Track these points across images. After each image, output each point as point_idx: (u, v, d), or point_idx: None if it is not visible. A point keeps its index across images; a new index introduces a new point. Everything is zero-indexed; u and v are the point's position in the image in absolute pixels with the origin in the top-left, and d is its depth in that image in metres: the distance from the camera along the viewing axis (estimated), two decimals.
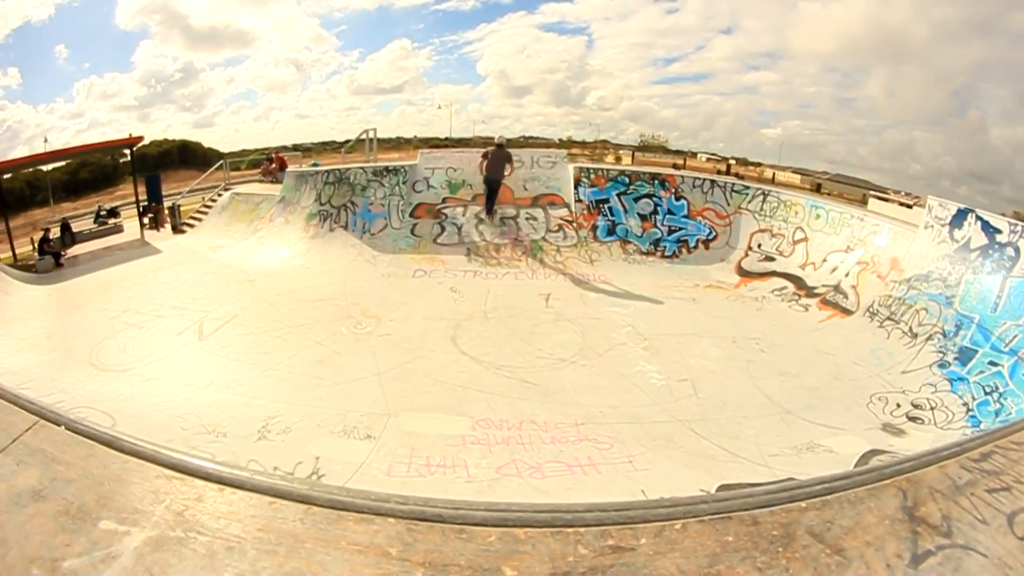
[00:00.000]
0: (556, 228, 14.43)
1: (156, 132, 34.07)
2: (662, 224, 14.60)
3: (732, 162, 25.59)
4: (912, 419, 7.57)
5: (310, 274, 12.83)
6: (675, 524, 1.64)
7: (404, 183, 14.92)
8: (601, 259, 13.84)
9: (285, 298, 11.38)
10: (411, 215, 14.57)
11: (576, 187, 15.07)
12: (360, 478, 5.93)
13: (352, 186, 14.80)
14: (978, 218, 9.64)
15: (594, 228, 14.55)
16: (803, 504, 1.75)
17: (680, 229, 14.51)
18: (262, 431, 6.79)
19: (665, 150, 31.32)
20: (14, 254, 15.79)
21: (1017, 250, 8.73)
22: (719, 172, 22.70)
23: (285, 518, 1.55)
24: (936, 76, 29.51)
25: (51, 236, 15.61)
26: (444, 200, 14.74)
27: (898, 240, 11.16)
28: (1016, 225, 9.06)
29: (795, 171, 24.95)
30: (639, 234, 14.48)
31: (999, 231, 9.17)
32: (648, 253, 14.20)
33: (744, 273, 13.22)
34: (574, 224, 14.57)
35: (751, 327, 10.49)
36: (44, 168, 23.19)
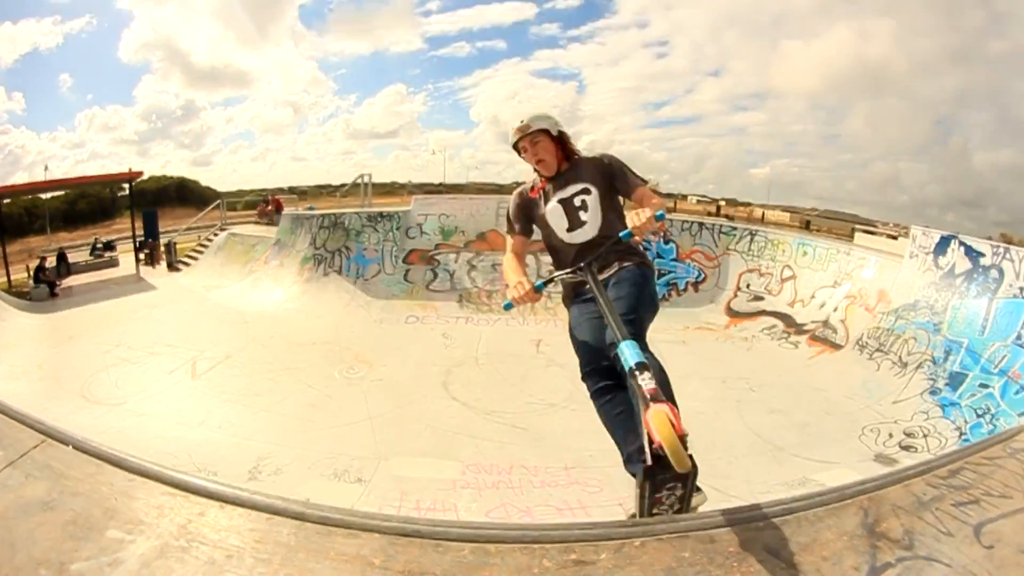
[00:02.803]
0: (548, 274, 14.47)
1: (155, 167, 34.46)
2: None
3: (722, 203, 26.10)
4: (905, 448, 7.65)
5: (304, 317, 12.92)
6: (634, 541, 1.72)
7: (398, 229, 15.13)
8: None
9: (278, 340, 11.46)
10: (404, 261, 14.73)
11: None
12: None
13: (347, 231, 15.00)
14: (961, 243, 9.89)
15: None
16: (760, 524, 1.81)
17: (669, 272, 14.67)
18: (253, 471, 6.82)
19: (656, 192, 31.91)
20: (9, 280, 15.80)
21: (1001, 271, 8.95)
22: (709, 214, 23.10)
23: (280, 532, 1.65)
24: (918, 106, 30.39)
25: (47, 265, 15.69)
26: (437, 246, 14.90)
27: (884, 272, 11.42)
28: (998, 247, 9.31)
29: (784, 209, 25.43)
30: None
31: (982, 255, 9.42)
32: None
33: (733, 314, 13.38)
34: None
35: (741, 367, 10.58)
36: (43, 196, 23.32)
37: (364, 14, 36.96)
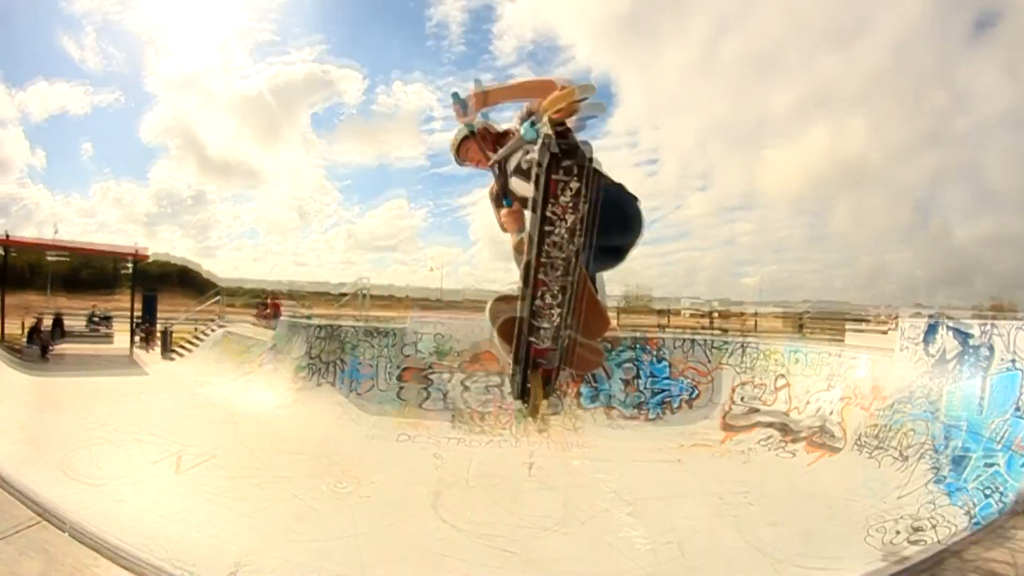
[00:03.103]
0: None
1: (160, 249, 35.17)
2: (645, 387, 14.71)
3: (715, 314, 26.28)
4: (914, 542, 7.37)
5: (294, 425, 12.80)
6: None
7: (393, 345, 15.23)
8: (585, 426, 13.75)
9: (267, 446, 11.30)
10: (398, 378, 14.69)
11: None
12: None
13: (343, 343, 15.17)
14: (949, 327, 9.95)
15: (578, 395, 14.46)
16: None
17: (663, 390, 14.62)
18: None
19: (649, 308, 32.22)
20: (2, 333, 15.68)
21: (991, 347, 8.96)
22: (703, 326, 23.26)
23: None
24: (897, 194, 31.50)
25: (42, 327, 15.64)
26: (431, 365, 14.90)
27: (877, 368, 11.41)
28: (986, 324, 9.37)
29: (776, 315, 25.62)
30: (622, 399, 14.53)
31: (970, 334, 9.46)
32: (632, 416, 14.19)
33: (729, 427, 13.18)
34: (558, 392, 14.59)
35: (738, 481, 10.32)
36: (49, 257, 23.57)
37: (371, 127, 39.37)
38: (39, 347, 15.16)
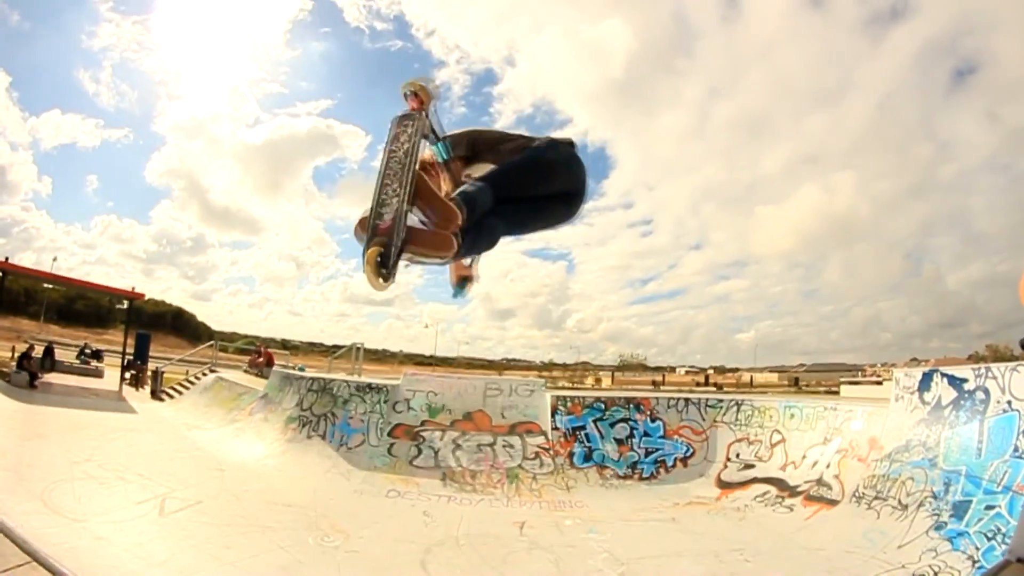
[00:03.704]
0: (533, 456, 14.26)
1: (156, 290, 35.27)
2: (639, 447, 14.56)
3: (710, 372, 26.28)
4: None
5: (282, 477, 12.54)
6: None
7: (385, 402, 15.12)
8: (578, 485, 13.55)
9: (254, 496, 11.04)
10: (389, 434, 14.51)
11: (553, 415, 15.20)
12: None
13: (335, 397, 15.08)
14: (943, 375, 9.98)
15: (571, 455, 14.40)
16: None
17: (657, 450, 14.45)
18: None
19: (644, 367, 32.21)
20: None
21: (987, 392, 8.95)
22: (698, 384, 23.28)
23: None
24: (887, 245, 32.23)
25: (32, 354, 15.35)
26: (423, 423, 14.74)
27: (873, 420, 11.37)
28: (979, 369, 9.39)
29: (772, 370, 25.59)
30: (616, 458, 14.35)
31: (965, 380, 9.46)
32: (625, 476, 13.97)
33: (724, 485, 12.98)
34: (551, 452, 14.43)
35: (734, 538, 10.08)
36: (45, 285, 23.40)
37: (372, 183, 40.38)
38: (28, 374, 15.03)
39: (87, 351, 20.68)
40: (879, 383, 15.15)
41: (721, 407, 14.85)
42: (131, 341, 20.03)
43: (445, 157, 3.28)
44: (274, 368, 18.50)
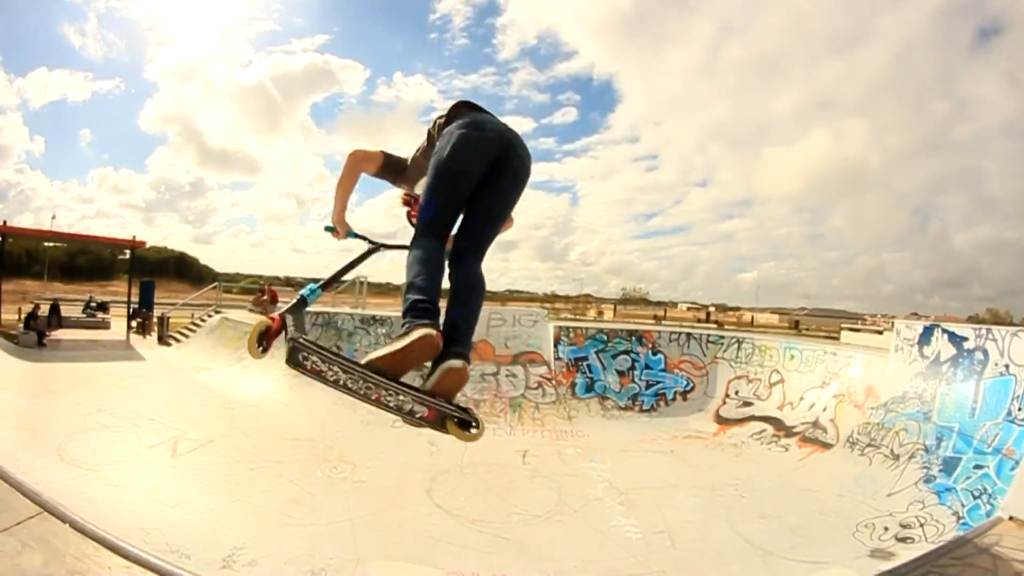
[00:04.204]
0: (535, 385, 14.56)
1: (157, 237, 35.48)
2: (640, 379, 14.85)
3: (711, 309, 26.45)
4: (901, 540, 7.40)
5: (290, 412, 12.72)
6: None
7: (390, 334, 15.11)
8: (579, 415, 13.86)
9: (262, 432, 11.25)
10: None
11: (556, 345, 15.42)
12: None
13: (339, 331, 15.19)
14: (944, 331, 10.01)
15: (573, 385, 14.71)
16: None
17: (658, 383, 14.75)
18: (227, 560, 6.54)
19: (646, 302, 32.42)
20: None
21: (986, 353, 8.99)
22: (699, 320, 23.38)
23: None
24: (896, 198, 31.80)
25: (39, 313, 15.56)
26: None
27: (871, 368, 11.47)
28: (980, 330, 9.41)
29: (773, 311, 25.77)
30: (617, 390, 14.66)
31: (966, 339, 9.47)
32: (626, 408, 14.30)
33: (722, 421, 13.26)
34: (553, 382, 14.72)
35: (730, 474, 10.40)
36: (46, 244, 23.52)
37: (371, 118, 39.46)
38: (36, 333, 15.06)
39: (93, 304, 20.48)
40: (879, 332, 15.13)
41: (722, 343, 15.03)
42: (136, 290, 20.00)
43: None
44: (278, 305, 18.46)
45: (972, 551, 2.18)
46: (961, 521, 7.42)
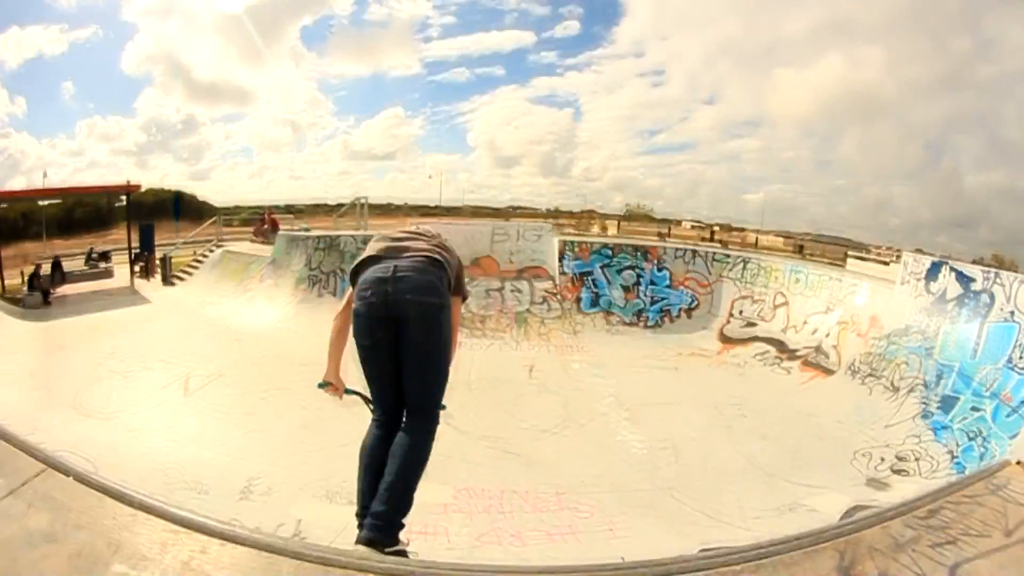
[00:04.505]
0: (541, 300, 14.68)
1: (153, 179, 34.45)
2: (645, 294, 14.91)
3: (716, 228, 26.23)
4: (897, 471, 7.68)
5: (297, 338, 12.71)
6: None
7: None
8: (585, 330, 14.03)
9: (271, 359, 11.37)
10: None
11: (561, 259, 15.42)
12: (341, 543, 5.84)
13: (342, 253, 15.05)
14: (952, 269, 9.95)
15: (578, 300, 14.81)
16: (738, 568, 1.82)
17: (663, 299, 14.82)
18: (245, 491, 6.78)
19: (650, 219, 32.07)
20: (3, 286, 15.56)
21: (992, 296, 8.97)
22: (703, 239, 23.24)
23: (280, 571, 1.69)
24: (909, 131, 30.78)
25: (41, 272, 15.50)
26: None
27: (876, 298, 11.46)
28: (989, 272, 9.34)
29: (778, 234, 25.59)
30: (622, 305, 14.76)
31: (973, 279, 9.44)
32: (631, 323, 14.44)
33: (726, 339, 13.43)
34: (558, 296, 14.82)
35: (733, 392, 10.63)
36: (41, 203, 23.21)
37: (364, 38, 37.36)
38: (40, 293, 14.80)
39: (94, 255, 19.91)
40: (886, 263, 14.97)
41: (728, 262, 15.00)
42: (136, 235, 19.43)
43: None
44: (280, 231, 18.17)
45: (983, 491, 2.27)
46: (955, 460, 7.64)
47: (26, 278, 15.49)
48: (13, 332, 11.79)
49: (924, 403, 8.92)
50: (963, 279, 9.63)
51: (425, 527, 6.24)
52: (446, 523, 6.38)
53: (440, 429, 8.39)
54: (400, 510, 2.62)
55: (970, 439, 7.81)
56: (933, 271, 10.31)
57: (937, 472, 7.53)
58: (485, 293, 14.61)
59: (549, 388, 10.76)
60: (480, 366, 11.69)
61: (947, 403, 8.59)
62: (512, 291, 14.79)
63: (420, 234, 2.98)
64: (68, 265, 17.65)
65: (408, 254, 2.78)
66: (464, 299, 3.26)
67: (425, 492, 6.90)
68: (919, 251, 11.64)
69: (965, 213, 29.21)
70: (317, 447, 8.06)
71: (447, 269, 2.86)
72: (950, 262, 10.27)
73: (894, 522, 2.08)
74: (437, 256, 2.84)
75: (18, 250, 19.95)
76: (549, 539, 6.22)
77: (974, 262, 10.38)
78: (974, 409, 8.13)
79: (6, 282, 15.80)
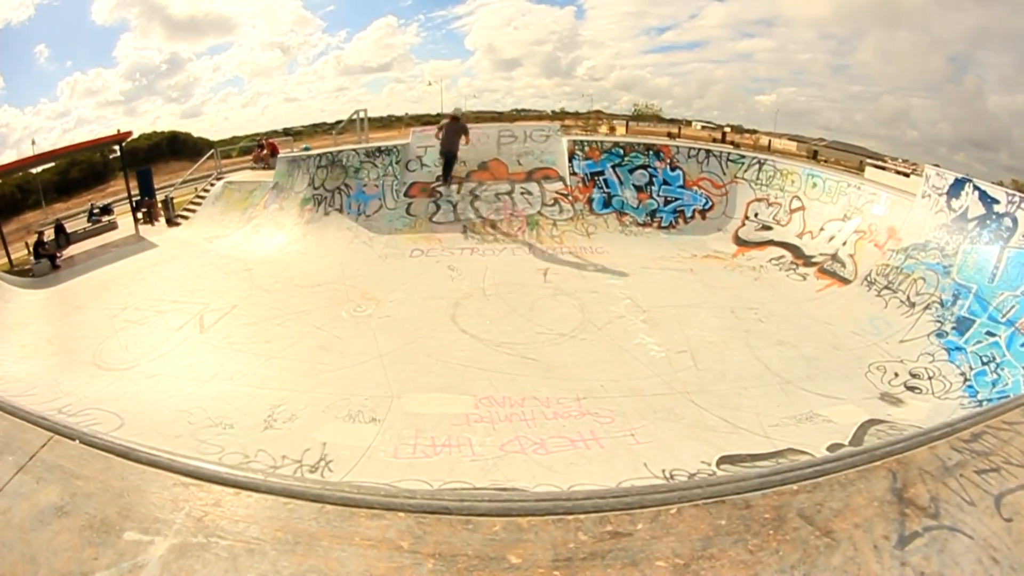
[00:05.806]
0: (552, 202, 14.39)
1: (144, 125, 33.65)
2: (658, 195, 14.56)
3: (727, 130, 25.32)
4: (910, 388, 7.61)
5: (307, 260, 12.76)
6: (671, 509, 1.70)
7: (397, 163, 14.79)
8: (598, 232, 13.81)
9: (283, 285, 11.33)
10: (406, 194, 14.42)
11: (570, 160, 14.96)
12: (368, 462, 6.00)
13: (345, 168, 14.70)
14: (976, 188, 9.53)
15: (590, 201, 14.49)
16: (795, 487, 1.79)
17: (676, 200, 14.47)
18: (268, 420, 6.83)
19: (659, 119, 30.98)
20: (10, 260, 15.48)
21: (1015, 220, 8.65)
22: (714, 140, 22.48)
23: (300, 518, 1.61)
24: (932, 42, 29.01)
25: (45, 239, 15.38)
26: (438, 178, 14.52)
27: (895, 209, 11.10)
28: (1013, 195, 8.96)
29: (791, 138, 24.70)
30: (635, 206, 14.44)
31: (997, 201, 9.08)
32: (645, 224, 14.16)
33: (741, 243, 13.20)
34: (569, 197, 14.50)
35: (749, 297, 10.53)
36: (34, 171, 22.92)
37: None
38: (47, 259, 14.52)
39: (95, 210, 19.42)
40: (906, 175, 14.29)
41: (743, 163, 14.51)
42: (134, 182, 18.86)
43: None
44: (279, 155, 17.62)
45: (1020, 418, 2.21)
46: (967, 383, 7.53)
47: (31, 248, 15.37)
48: (27, 303, 11.75)
49: (939, 322, 8.76)
50: (986, 199, 9.25)
51: (449, 439, 6.37)
52: (469, 434, 6.46)
53: (456, 338, 8.52)
54: None
55: (983, 364, 7.69)
56: (956, 188, 9.90)
57: (949, 394, 7.44)
58: (495, 197, 14.34)
59: (564, 291, 10.69)
60: (494, 272, 11.67)
61: (962, 324, 8.43)
62: (522, 194, 14.48)
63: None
64: (71, 225, 17.51)
65: None
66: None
67: (447, 403, 7.06)
68: (937, 166, 11.12)
69: (986, 133, 27.86)
70: (336, 367, 8.11)
71: None
72: (974, 181, 9.78)
73: (940, 443, 2.02)
74: None
75: (20, 223, 19.82)
76: (572, 446, 6.29)
77: (992, 184, 9.92)
78: (989, 334, 7.98)
79: (13, 255, 15.71)
